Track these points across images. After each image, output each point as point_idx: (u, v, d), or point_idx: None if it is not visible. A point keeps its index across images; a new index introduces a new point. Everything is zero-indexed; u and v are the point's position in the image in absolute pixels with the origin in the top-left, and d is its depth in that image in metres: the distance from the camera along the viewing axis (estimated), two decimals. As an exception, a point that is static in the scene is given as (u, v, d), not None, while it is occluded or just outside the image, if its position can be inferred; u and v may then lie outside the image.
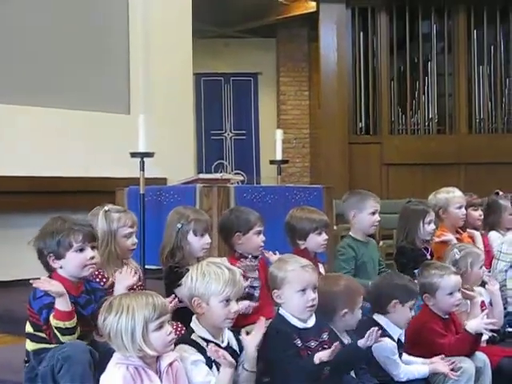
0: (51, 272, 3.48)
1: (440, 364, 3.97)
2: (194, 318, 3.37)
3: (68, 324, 3.27)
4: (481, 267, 4.72)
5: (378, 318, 4.05)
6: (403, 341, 4.08)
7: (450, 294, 4.26)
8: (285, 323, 3.50)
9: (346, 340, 3.70)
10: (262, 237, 4.31)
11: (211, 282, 3.28)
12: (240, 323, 3.66)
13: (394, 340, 3.98)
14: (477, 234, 5.75)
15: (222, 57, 13.58)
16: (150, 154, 5.55)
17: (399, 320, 4.03)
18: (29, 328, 3.49)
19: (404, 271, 4.96)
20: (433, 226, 5.20)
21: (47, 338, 3.38)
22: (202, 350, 3.24)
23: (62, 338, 3.28)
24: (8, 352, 4.67)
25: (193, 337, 3.28)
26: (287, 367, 3.37)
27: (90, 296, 3.52)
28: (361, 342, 3.46)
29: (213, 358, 3.21)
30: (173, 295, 3.73)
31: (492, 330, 4.52)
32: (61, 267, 3.45)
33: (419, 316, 4.36)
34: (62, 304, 3.27)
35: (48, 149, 7.40)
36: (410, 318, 4.07)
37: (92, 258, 3.47)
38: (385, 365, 3.91)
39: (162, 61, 8.58)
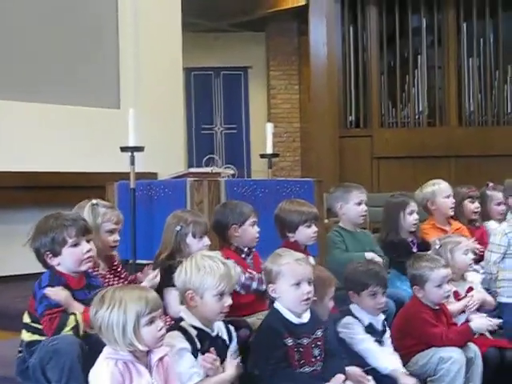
0: (50, 269, 3.48)
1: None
2: (183, 307, 3.37)
3: (86, 331, 3.29)
4: (466, 254, 4.76)
5: (352, 306, 4.12)
6: (379, 328, 4.11)
7: (439, 286, 4.29)
8: (279, 319, 3.50)
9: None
10: (256, 228, 4.34)
11: (206, 276, 3.28)
12: (234, 314, 3.68)
13: (362, 324, 4.03)
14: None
15: (212, 51, 13.55)
16: (140, 149, 5.54)
17: (366, 308, 4.08)
18: (26, 318, 3.51)
19: (393, 265, 5.02)
20: (415, 216, 5.24)
21: (40, 329, 3.39)
22: (190, 339, 3.24)
23: (63, 332, 3.29)
24: (0, 347, 4.67)
25: (183, 324, 3.28)
26: (272, 368, 3.36)
27: (89, 293, 3.51)
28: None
29: (198, 347, 3.22)
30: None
31: None
32: (59, 264, 3.46)
33: (409, 306, 4.40)
34: None
35: (38, 144, 7.38)
36: (380, 303, 4.08)
37: (88, 251, 3.49)
38: (348, 341, 3.95)
39: (152, 55, 8.57)
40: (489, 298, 4.84)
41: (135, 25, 8.51)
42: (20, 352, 3.54)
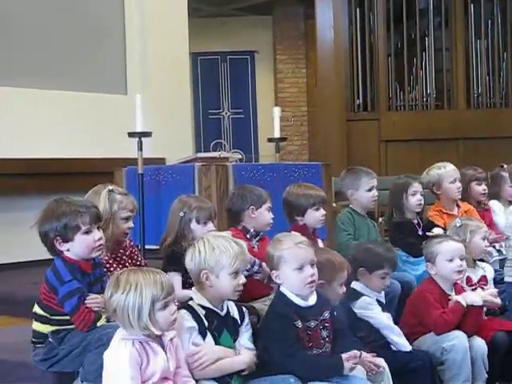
0: (57, 254, 3.47)
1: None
2: (193, 288, 3.40)
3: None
4: (483, 239, 4.75)
5: (354, 284, 4.13)
6: (384, 302, 4.14)
7: (450, 260, 4.28)
8: (286, 303, 3.50)
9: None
10: (271, 214, 4.34)
11: (221, 255, 3.31)
12: (246, 297, 3.69)
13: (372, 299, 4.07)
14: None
15: (219, 35, 13.52)
16: (147, 134, 5.54)
17: (372, 286, 4.12)
18: (41, 311, 3.48)
19: (399, 246, 5.03)
20: (418, 196, 5.22)
21: (65, 321, 3.40)
22: (197, 317, 3.27)
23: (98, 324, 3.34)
24: (10, 333, 4.69)
25: (191, 303, 3.29)
26: (287, 352, 3.36)
27: (98, 271, 3.55)
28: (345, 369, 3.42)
29: (206, 325, 3.26)
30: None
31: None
32: (68, 250, 3.44)
33: (420, 286, 4.42)
34: None
35: (45, 130, 7.38)
36: (386, 285, 4.13)
37: (99, 239, 3.48)
38: (370, 321, 3.99)
39: (159, 40, 8.54)
40: (496, 300, 4.78)
41: (141, 10, 8.49)
42: (37, 343, 3.51)
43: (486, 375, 4.22)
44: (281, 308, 3.48)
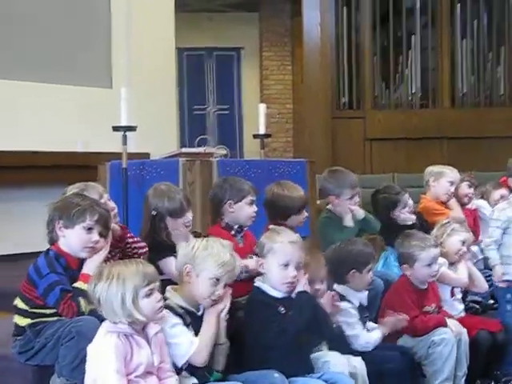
0: (52, 244, 3.49)
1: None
2: (168, 287, 3.38)
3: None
4: (462, 243, 4.74)
5: (336, 287, 4.07)
6: (365, 304, 4.14)
7: (428, 265, 4.31)
8: (264, 295, 3.54)
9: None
10: (254, 207, 4.29)
11: (209, 257, 3.29)
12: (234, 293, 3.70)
13: (354, 306, 4.04)
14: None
15: (205, 31, 13.49)
16: (132, 128, 5.52)
17: (358, 286, 4.10)
18: (22, 304, 3.49)
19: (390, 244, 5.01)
20: (408, 209, 5.18)
21: (43, 314, 3.41)
22: (178, 315, 3.27)
23: (86, 308, 3.32)
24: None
25: (168, 302, 3.28)
26: (274, 335, 3.40)
27: None
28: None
29: (188, 322, 3.25)
30: None
31: (474, 301, 4.60)
32: (64, 236, 3.46)
33: (396, 285, 4.43)
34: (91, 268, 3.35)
35: (29, 123, 7.35)
36: (370, 280, 4.11)
37: (96, 242, 3.47)
38: (346, 331, 3.95)
39: (145, 35, 8.54)
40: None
41: (128, 4, 8.47)
42: (17, 335, 3.51)
43: (466, 370, 4.24)
44: (261, 297, 3.53)
